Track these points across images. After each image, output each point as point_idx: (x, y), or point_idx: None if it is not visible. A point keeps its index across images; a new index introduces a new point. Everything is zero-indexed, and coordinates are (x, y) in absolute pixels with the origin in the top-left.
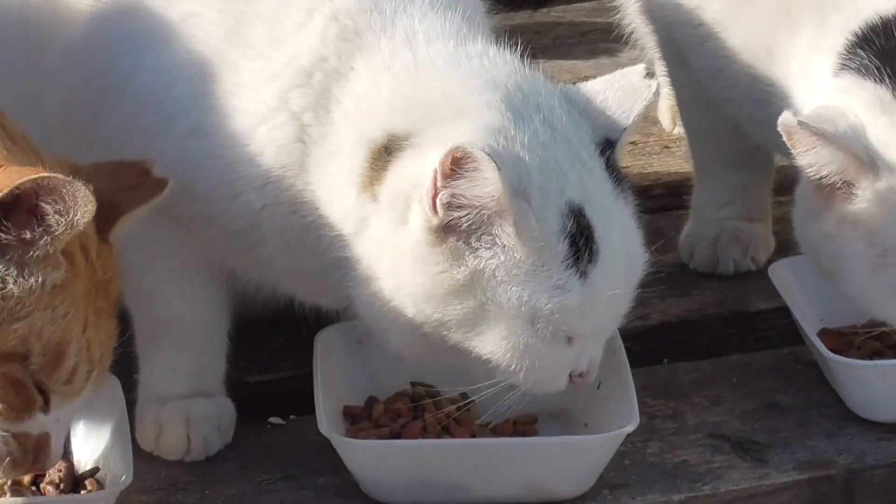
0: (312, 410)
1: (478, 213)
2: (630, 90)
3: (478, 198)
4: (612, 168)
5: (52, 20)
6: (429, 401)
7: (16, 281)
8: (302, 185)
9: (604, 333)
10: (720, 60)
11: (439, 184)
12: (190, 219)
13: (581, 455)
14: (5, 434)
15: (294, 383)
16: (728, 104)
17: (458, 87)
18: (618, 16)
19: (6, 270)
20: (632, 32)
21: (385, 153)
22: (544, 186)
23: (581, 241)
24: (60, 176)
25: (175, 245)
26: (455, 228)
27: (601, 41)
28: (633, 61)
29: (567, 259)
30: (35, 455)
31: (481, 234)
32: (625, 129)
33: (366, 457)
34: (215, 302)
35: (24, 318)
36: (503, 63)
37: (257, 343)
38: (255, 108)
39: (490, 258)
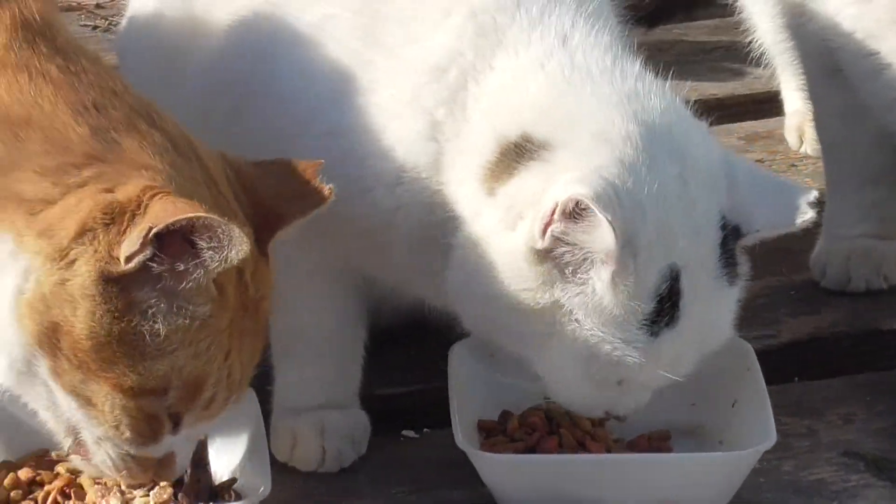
0: (445, 423)
1: (583, 254)
2: (789, 205)
3: (587, 243)
4: (727, 249)
5: (190, 32)
6: (564, 416)
7: (165, 317)
8: (436, 186)
9: (657, 386)
10: None
11: (556, 216)
12: (328, 220)
13: (716, 472)
14: (124, 453)
15: (426, 396)
16: None
17: (606, 106)
18: (744, 35)
19: (157, 305)
20: (762, 53)
21: (515, 153)
22: (653, 244)
23: (666, 305)
24: (216, 217)
25: (314, 255)
26: (554, 257)
27: (725, 59)
28: (756, 80)
29: (646, 319)
30: (158, 470)
31: (577, 271)
32: (757, 233)
33: (503, 471)
34: (352, 314)
35: (169, 355)
36: (659, 95)
37: (389, 356)
38: (388, 104)
39: (576, 295)
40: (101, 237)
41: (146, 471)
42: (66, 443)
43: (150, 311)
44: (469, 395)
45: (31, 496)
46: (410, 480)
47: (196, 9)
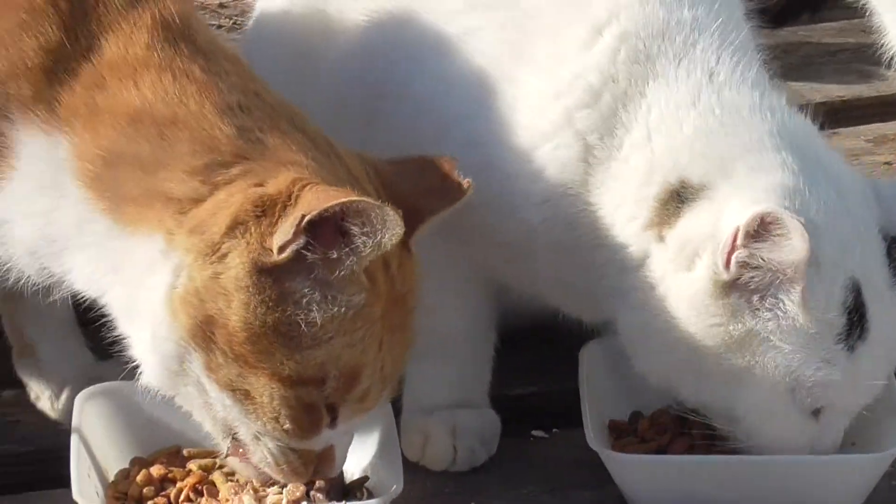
0: (575, 423)
1: (771, 276)
2: None
3: (777, 262)
4: (892, 259)
5: (323, 31)
6: (695, 416)
7: (319, 306)
8: (582, 205)
9: (852, 412)
10: None
11: (739, 242)
12: (465, 229)
13: (850, 474)
14: (284, 446)
15: (556, 396)
16: None
17: (759, 142)
18: (871, 37)
19: (311, 293)
20: (894, 56)
21: (677, 198)
22: (833, 257)
23: (855, 318)
24: (370, 200)
25: (449, 256)
26: (740, 286)
27: (852, 62)
28: (883, 82)
29: (840, 333)
30: (319, 465)
31: (766, 296)
32: None
33: (635, 471)
34: (484, 314)
35: (325, 343)
36: (802, 124)
37: (519, 356)
38: (539, 125)
39: (769, 321)
40: (252, 229)
41: (307, 466)
42: (224, 446)
43: (304, 301)
44: (600, 395)
45: (163, 493)
46: (540, 480)
47: (329, 7)
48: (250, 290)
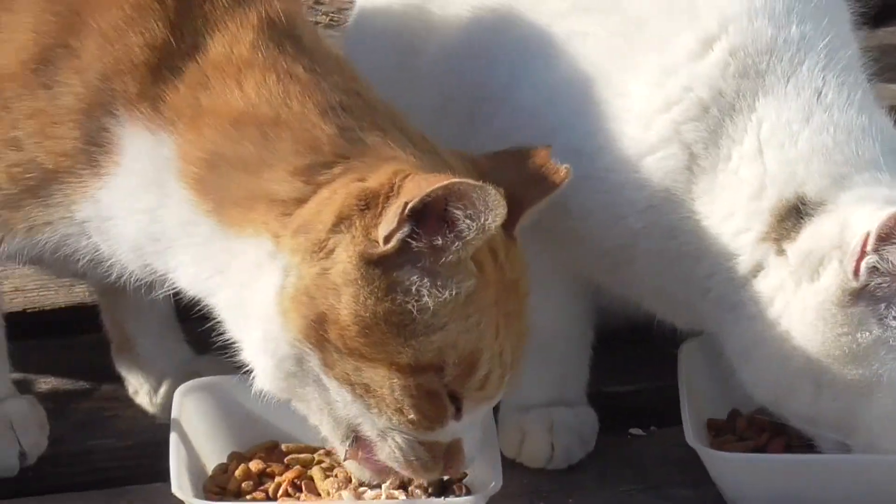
0: (672, 421)
1: None
2: None
3: None
4: None
5: (424, 26)
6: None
7: (430, 292)
8: (686, 213)
9: None
10: None
11: (869, 247)
12: (562, 233)
13: None
14: (412, 439)
15: (654, 394)
16: None
17: (873, 162)
18: None
19: (420, 281)
20: None
21: (796, 213)
22: None
23: None
24: (471, 181)
25: (545, 255)
26: (867, 294)
27: None
28: None
29: None
30: (448, 460)
31: (892, 304)
32: None
33: (735, 470)
34: (581, 313)
35: (440, 329)
36: None
37: (616, 354)
38: (646, 137)
39: None
40: (357, 223)
41: (436, 460)
42: (342, 450)
43: (413, 288)
44: (699, 394)
45: (261, 487)
46: (637, 478)
47: (431, 2)
48: (359, 282)
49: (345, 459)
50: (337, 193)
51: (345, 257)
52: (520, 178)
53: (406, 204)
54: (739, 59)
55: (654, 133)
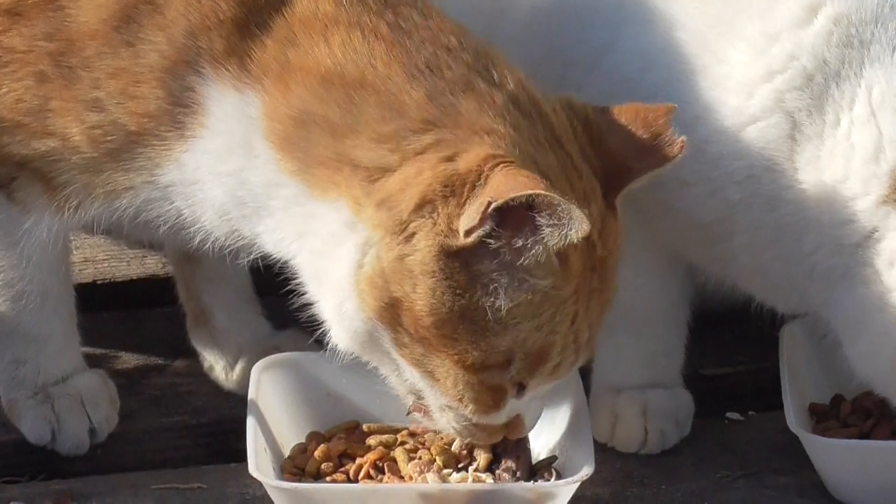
0: (771, 406)
1: None
2: None
3: None
4: None
5: None
6: None
7: (506, 291)
8: (787, 182)
9: None
10: None
11: None
12: (654, 206)
13: None
14: (466, 423)
15: (751, 378)
16: None
17: None
18: None
19: (499, 279)
20: None
21: None
22: None
23: None
24: (556, 196)
25: (636, 232)
26: None
27: None
28: None
29: None
30: (508, 433)
31: None
32: None
33: (839, 457)
34: (674, 289)
35: (511, 329)
36: None
37: (712, 335)
38: (747, 106)
39: None
40: (440, 209)
41: (492, 435)
42: (408, 399)
43: (491, 286)
44: (801, 377)
45: (342, 469)
46: (735, 464)
47: None
48: (436, 274)
49: (409, 412)
50: (424, 174)
51: (424, 246)
52: (631, 144)
53: (490, 203)
54: (843, 28)
55: (757, 102)
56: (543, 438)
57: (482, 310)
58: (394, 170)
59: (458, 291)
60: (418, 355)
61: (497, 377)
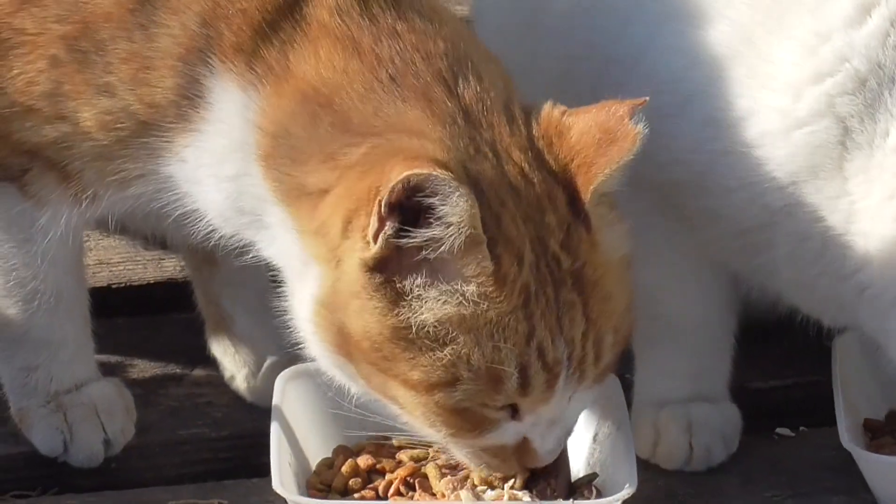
0: (824, 422)
1: None
2: None
3: None
4: None
5: None
6: None
7: (435, 298)
8: (834, 192)
9: None
10: None
11: None
12: (696, 213)
13: None
14: (471, 450)
15: (801, 392)
16: None
17: None
18: None
19: (423, 286)
20: None
21: None
22: None
23: None
24: (433, 172)
25: (677, 238)
26: None
27: None
28: None
29: None
30: (519, 458)
31: None
32: None
33: (894, 475)
34: (719, 300)
35: (448, 345)
36: None
37: (759, 347)
38: (795, 109)
39: None
40: (357, 225)
41: (505, 461)
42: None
43: (415, 301)
44: (854, 392)
45: (370, 485)
46: (785, 483)
47: None
48: (361, 294)
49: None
50: (348, 189)
51: (348, 267)
52: (592, 141)
53: (380, 201)
54: None
55: (805, 105)
56: (584, 455)
57: (411, 326)
58: (331, 189)
59: (384, 310)
60: (378, 384)
61: (449, 398)
